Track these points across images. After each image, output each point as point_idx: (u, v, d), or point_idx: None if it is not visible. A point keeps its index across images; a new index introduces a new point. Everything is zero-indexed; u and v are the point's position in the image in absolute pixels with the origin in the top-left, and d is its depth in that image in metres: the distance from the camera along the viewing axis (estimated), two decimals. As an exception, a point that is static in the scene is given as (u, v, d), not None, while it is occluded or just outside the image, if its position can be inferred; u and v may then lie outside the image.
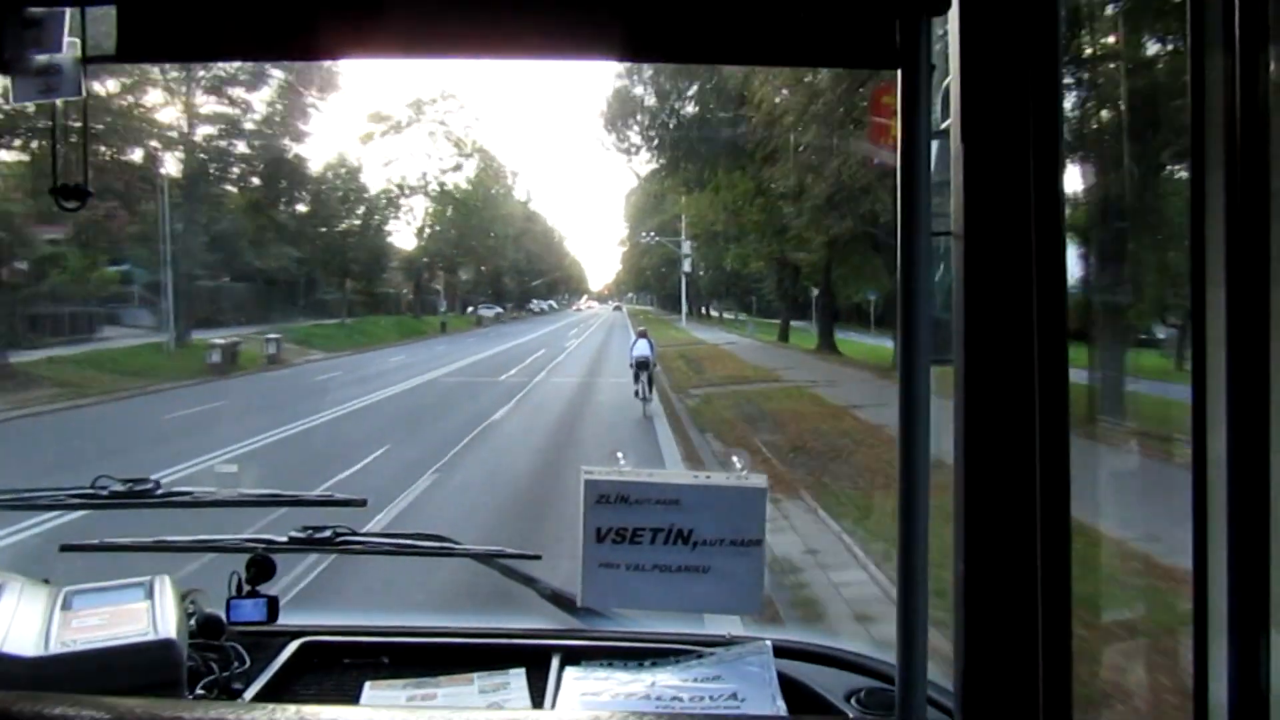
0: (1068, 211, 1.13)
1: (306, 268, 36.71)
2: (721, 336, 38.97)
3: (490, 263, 55.67)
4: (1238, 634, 0.87)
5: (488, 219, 53.24)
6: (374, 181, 46.93)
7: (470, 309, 54.80)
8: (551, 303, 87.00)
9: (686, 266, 49.33)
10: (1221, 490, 0.89)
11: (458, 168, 49.27)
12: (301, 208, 35.52)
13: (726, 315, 58.30)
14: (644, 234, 60.49)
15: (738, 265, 34.46)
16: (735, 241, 30.63)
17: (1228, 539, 0.88)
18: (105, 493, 1.86)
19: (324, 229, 37.87)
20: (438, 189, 48.89)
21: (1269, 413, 0.84)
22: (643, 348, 16.06)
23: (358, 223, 41.60)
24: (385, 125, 45.38)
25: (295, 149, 32.14)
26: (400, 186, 46.21)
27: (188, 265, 26.42)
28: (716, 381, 20.70)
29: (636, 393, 15.76)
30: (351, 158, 43.96)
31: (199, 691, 1.47)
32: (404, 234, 55.71)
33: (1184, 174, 0.91)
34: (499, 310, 60.18)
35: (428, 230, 49.43)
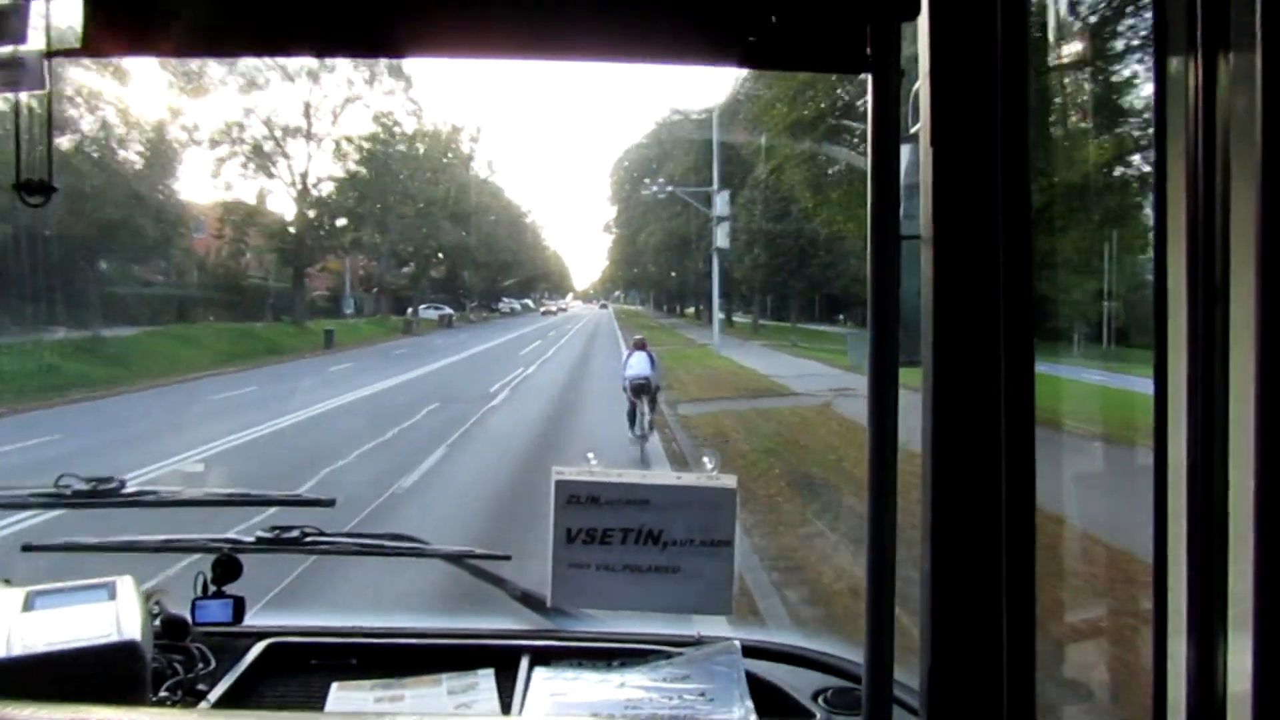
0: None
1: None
2: (794, 369, 19.25)
3: (410, 243, 37.88)
4: (1196, 634, 0.88)
5: (414, 179, 35.78)
6: (213, 117, 29.40)
7: (410, 310, 40.14)
8: (527, 301, 72.61)
9: (721, 238, 27.29)
10: (1181, 493, 0.90)
11: (352, 100, 31.42)
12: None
13: (760, 320, 38.08)
14: (649, 184, 41.82)
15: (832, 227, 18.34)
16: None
17: (1187, 541, 0.89)
18: (69, 492, 1.83)
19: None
20: (334, 133, 31.45)
21: (1229, 415, 0.85)
22: (640, 364, 11.63)
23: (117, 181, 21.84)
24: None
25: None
26: (270, 126, 29.66)
27: None
28: None
29: (634, 428, 11.30)
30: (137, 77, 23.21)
31: (163, 693, 1.45)
32: (282, 199, 35.04)
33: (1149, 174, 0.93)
34: (447, 312, 43.99)
35: (313, 194, 31.50)
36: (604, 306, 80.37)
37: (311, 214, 31.92)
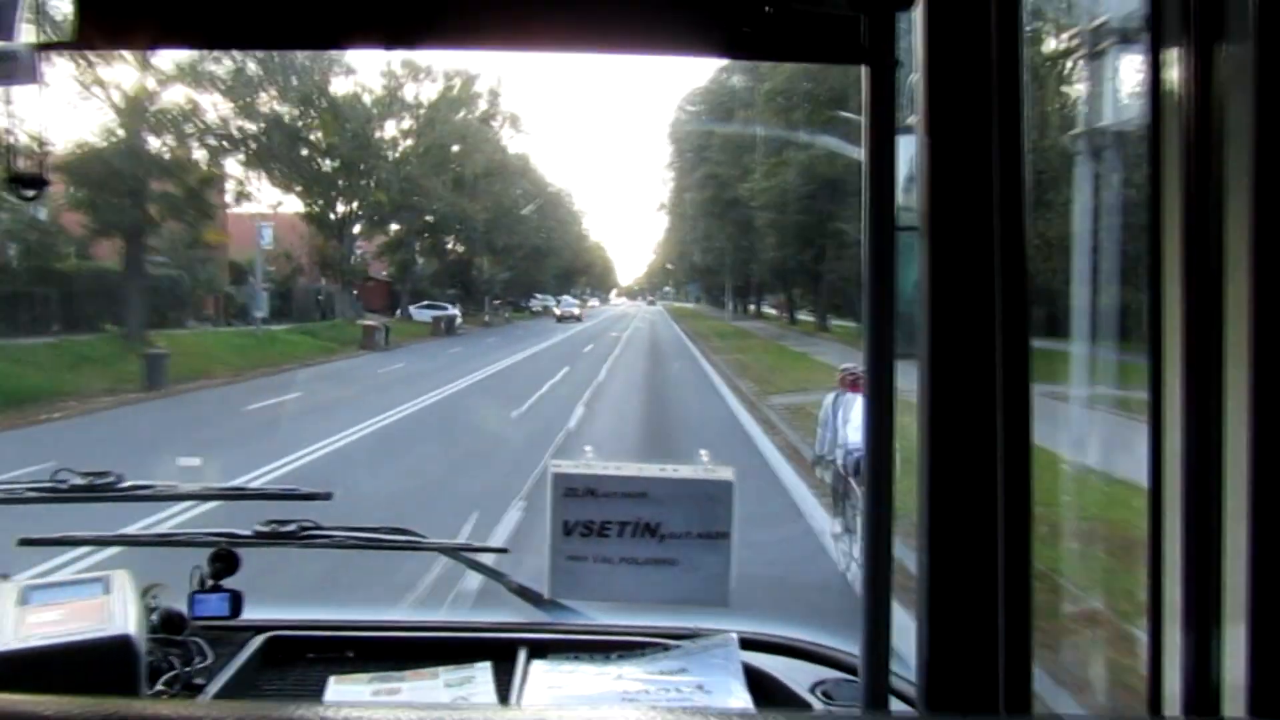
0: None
1: None
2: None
3: (364, 203, 26.01)
4: (1192, 625, 0.88)
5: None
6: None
7: (397, 311, 31.00)
8: (567, 297, 57.17)
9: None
10: (1177, 484, 0.90)
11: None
12: None
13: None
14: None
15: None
16: None
17: (1182, 534, 0.89)
18: (65, 486, 1.82)
19: None
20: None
21: (1223, 411, 0.85)
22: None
23: None
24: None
25: None
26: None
27: None
28: None
29: (842, 521, 6.31)
30: None
31: (159, 687, 1.45)
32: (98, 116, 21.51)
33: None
34: (448, 313, 32.21)
35: (155, 106, 19.22)
36: (651, 303, 74.05)
37: (155, 141, 18.45)
